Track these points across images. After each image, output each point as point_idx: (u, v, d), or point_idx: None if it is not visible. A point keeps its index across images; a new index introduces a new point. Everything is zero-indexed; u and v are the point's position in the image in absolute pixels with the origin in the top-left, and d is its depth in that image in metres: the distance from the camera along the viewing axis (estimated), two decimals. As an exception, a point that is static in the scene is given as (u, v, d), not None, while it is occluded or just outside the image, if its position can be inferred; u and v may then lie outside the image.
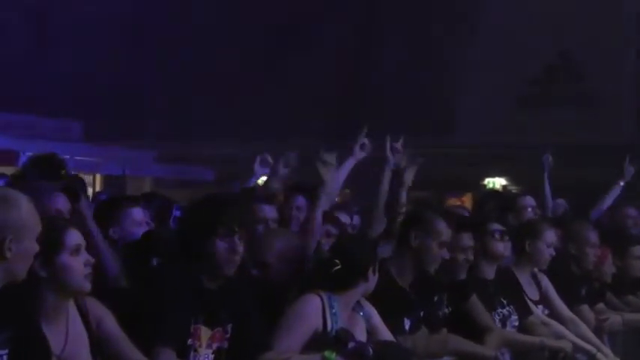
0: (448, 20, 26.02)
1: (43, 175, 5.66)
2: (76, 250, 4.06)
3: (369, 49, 26.87)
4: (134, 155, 23.56)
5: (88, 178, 19.22)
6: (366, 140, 6.66)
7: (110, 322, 4.22)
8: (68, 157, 11.87)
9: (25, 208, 3.56)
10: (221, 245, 4.49)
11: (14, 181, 6.34)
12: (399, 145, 7.04)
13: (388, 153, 6.92)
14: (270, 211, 5.86)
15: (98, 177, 22.77)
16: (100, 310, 4.22)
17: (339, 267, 5.03)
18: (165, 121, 26.21)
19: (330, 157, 6.00)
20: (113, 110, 26.09)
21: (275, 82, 26.05)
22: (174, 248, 4.73)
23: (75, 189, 5.17)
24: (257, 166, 7.14)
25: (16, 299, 3.65)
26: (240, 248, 4.53)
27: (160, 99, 26.80)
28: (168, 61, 26.82)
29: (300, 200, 6.65)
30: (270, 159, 7.16)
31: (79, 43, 27.14)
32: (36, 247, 3.59)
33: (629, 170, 9.54)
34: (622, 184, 9.49)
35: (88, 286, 4.08)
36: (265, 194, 6.47)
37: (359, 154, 6.63)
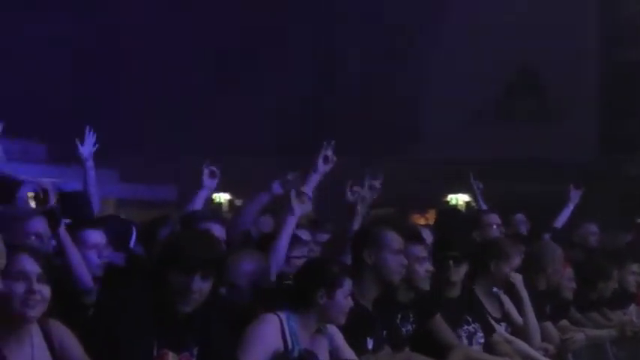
0: (410, 35, 26.09)
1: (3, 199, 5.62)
2: (21, 277, 3.99)
3: (331, 65, 26.89)
4: (97, 175, 23.37)
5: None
6: (329, 153, 6.53)
7: (74, 346, 4.19)
8: (31, 178, 11.74)
9: None
10: (178, 281, 4.43)
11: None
12: (377, 182, 6.95)
13: (365, 190, 6.79)
14: (218, 230, 5.81)
15: (61, 198, 22.56)
16: (63, 333, 4.18)
17: (289, 285, 5.04)
18: (127, 140, 26.09)
19: (293, 177, 5.99)
20: (75, 130, 25.91)
21: (236, 100, 26.02)
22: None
23: (55, 213, 5.13)
24: (205, 179, 7.11)
25: None
26: (200, 286, 4.44)
27: (120, 118, 26.69)
28: (127, 79, 26.74)
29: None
30: (217, 171, 7.13)
31: (40, 63, 27.00)
32: None
33: (575, 194, 9.66)
34: (571, 207, 9.63)
35: (29, 313, 3.98)
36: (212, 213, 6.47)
37: (322, 168, 6.53)
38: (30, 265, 4.01)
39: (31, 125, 24.35)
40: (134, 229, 6.49)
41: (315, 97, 26.67)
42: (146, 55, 26.96)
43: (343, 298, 5.03)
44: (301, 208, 6.07)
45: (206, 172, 7.09)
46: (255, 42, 26.53)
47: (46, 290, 4.02)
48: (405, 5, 25.75)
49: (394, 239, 5.68)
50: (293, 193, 6.00)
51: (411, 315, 6.08)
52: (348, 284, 5.07)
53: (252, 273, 5.25)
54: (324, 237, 7.50)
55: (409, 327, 6.07)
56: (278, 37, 26.60)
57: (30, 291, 3.97)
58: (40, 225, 5.05)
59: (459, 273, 6.48)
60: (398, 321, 5.99)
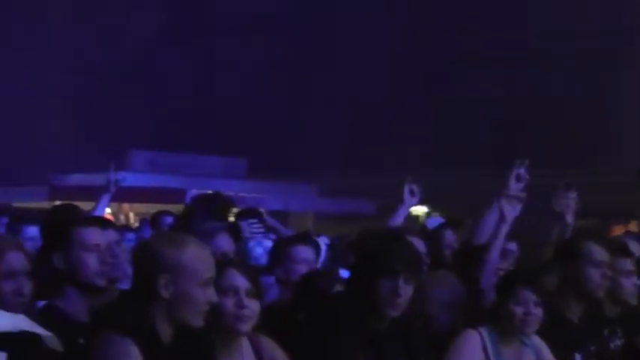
0: (601, 43, 25.62)
1: (208, 215, 5.78)
2: (231, 291, 4.10)
3: (528, 75, 26.60)
4: (296, 190, 23.85)
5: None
6: (522, 171, 6.38)
7: None
8: (232, 193, 12.10)
9: (189, 252, 3.65)
10: (384, 285, 4.46)
11: (180, 221, 6.48)
12: (524, 172, 6.78)
13: (512, 180, 6.59)
14: (420, 245, 5.77)
15: (261, 213, 23.07)
16: (273, 349, 4.27)
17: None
18: (326, 155, 26.48)
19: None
20: (276, 147, 26.55)
21: (431, 112, 26.07)
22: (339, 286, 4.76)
23: (238, 230, 5.23)
24: (407, 196, 7.15)
25: (196, 339, 3.74)
26: (405, 290, 4.47)
27: (320, 134, 27.13)
28: (326, 96, 27.16)
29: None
30: (417, 188, 7.15)
31: (240, 84, 27.75)
32: (202, 294, 3.67)
33: None
34: None
35: (240, 327, 4.10)
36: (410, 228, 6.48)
37: (515, 186, 6.33)
38: (239, 280, 4.14)
39: (233, 143, 25.10)
40: (324, 247, 6.57)
41: (512, 111, 26.44)
42: (344, 71, 27.32)
43: (515, 307, 4.94)
44: (514, 212, 6.00)
45: (407, 189, 7.14)
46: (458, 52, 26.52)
47: (254, 305, 4.13)
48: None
49: (596, 252, 5.55)
50: (503, 199, 5.92)
51: (619, 330, 5.94)
52: (521, 294, 4.96)
53: (445, 299, 5.19)
54: (513, 245, 7.41)
55: (617, 342, 5.92)
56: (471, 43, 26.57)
57: (240, 306, 4.09)
58: (224, 242, 5.20)
59: None
60: (605, 336, 5.86)
